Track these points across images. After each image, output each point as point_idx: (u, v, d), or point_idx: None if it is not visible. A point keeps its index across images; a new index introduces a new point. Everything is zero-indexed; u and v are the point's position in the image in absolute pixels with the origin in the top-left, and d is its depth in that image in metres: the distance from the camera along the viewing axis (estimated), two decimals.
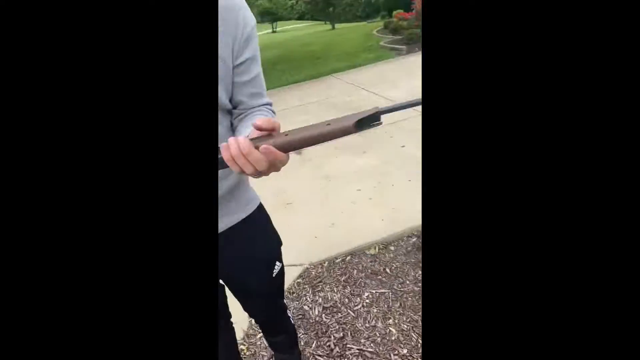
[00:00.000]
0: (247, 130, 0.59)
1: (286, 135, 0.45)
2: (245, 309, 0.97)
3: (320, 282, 1.69)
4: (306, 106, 4.55)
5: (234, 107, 0.70)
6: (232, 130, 0.71)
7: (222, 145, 0.46)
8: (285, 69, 7.21)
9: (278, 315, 1.01)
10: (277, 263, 0.88)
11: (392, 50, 7.01)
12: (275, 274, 0.88)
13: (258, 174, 0.46)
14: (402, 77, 4.90)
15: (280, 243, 0.91)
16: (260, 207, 0.86)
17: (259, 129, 0.46)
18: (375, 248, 1.84)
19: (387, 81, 4.89)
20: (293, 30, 24.61)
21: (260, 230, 0.85)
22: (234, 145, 0.44)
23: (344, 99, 4.54)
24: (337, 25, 16.52)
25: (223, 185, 0.72)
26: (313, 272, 1.75)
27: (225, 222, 0.76)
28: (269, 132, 0.46)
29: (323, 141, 0.44)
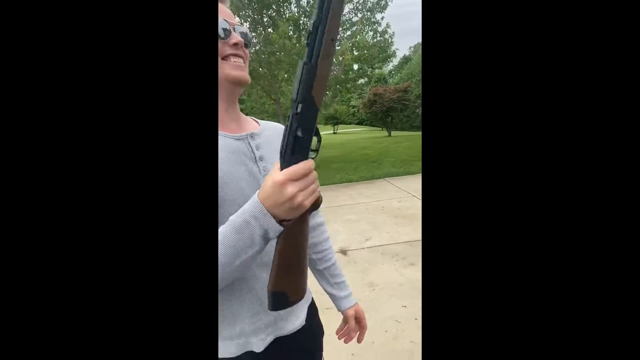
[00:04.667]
0: None
1: None
2: None
3: None
4: (356, 206, 4.65)
5: None
6: None
7: None
8: (341, 168, 7.67)
9: None
10: (320, 354, 0.84)
11: None
12: None
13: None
14: None
15: (323, 332, 0.88)
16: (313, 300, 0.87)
17: None
18: None
19: None
20: (352, 133, 26.87)
21: (315, 318, 0.84)
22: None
23: (394, 204, 4.59)
24: (393, 133, 17.75)
25: None
26: None
27: (303, 312, 0.77)
28: None
29: None
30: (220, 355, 0.69)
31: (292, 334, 0.73)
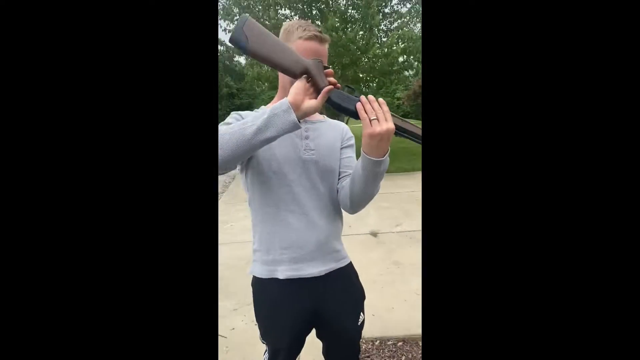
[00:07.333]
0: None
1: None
2: (326, 352, 1.11)
3: (367, 357, 1.75)
4: (390, 195, 4.83)
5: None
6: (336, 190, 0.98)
7: (360, 100, 0.76)
8: None
9: None
10: (362, 314, 1.05)
11: None
12: (360, 322, 1.04)
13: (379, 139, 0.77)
14: None
15: (364, 297, 1.08)
16: (352, 264, 1.06)
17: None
18: None
19: None
20: None
21: (353, 282, 1.05)
22: (374, 101, 0.75)
23: None
24: None
25: (321, 236, 0.95)
26: (363, 347, 1.83)
27: (325, 267, 0.96)
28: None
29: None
30: (256, 275, 0.96)
31: (309, 278, 0.93)
